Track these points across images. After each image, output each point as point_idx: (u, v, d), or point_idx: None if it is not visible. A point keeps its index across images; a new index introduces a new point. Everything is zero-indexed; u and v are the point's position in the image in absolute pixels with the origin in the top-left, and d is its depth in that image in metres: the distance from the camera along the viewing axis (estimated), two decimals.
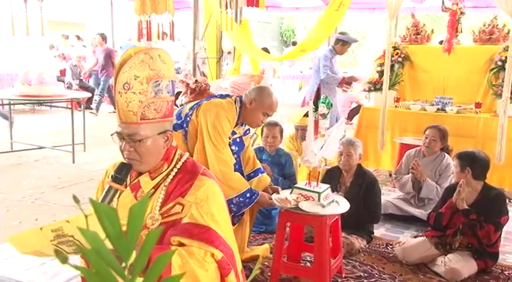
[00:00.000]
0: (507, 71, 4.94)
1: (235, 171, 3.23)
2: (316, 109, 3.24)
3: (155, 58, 1.75)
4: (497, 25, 5.83)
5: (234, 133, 3.29)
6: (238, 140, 3.37)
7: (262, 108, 3.21)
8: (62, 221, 1.44)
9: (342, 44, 6.37)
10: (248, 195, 3.12)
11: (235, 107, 3.22)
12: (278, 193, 3.34)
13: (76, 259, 1.93)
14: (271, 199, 3.18)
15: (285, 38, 21.60)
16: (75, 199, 0.71)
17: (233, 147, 3.31)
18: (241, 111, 3.24)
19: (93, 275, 0.57)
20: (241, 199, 3.11)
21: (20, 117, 9.61)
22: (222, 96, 3.38)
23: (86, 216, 0.58)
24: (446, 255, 3.49)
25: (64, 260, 0.62)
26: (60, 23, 15.23)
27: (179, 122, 3.26)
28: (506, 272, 3.52)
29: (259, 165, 3.60)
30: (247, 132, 3.49)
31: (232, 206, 3.08)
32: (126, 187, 1.84)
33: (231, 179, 3.12)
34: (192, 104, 3.39)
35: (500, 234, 3.53)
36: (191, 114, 3.21)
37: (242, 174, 3.35)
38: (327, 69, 6.29)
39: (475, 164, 3.53)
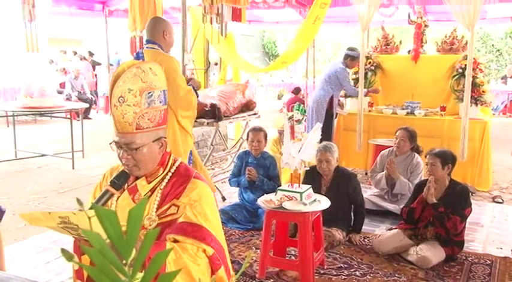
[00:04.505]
0: (467, 78, 5.03)
1: None
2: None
3: (147, 71, 1.74)
4: (456, 37, 5.94)
5: None
6: None
7: (172, 30, 3.65)
8: (68, 212, 1.43)
9: (351, 59, 6.17)
10: None
11: (164, 51, 3.57)
12: None
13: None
14: None
15: (267, 50, 21.62)
16: (79, 202, 0.72)
17: None
18: (164, 48, 3.58)
19: (97, 272, 0.58)
20: None
21: (23, 127, 9.52)
22: (139, 58, 3.59)
23: (89, 218, 0.59)
24: (418, 245, 3.53)
25: (69, 258, 0.62)
26: (59, 39, 15.14)
27: None
28: (469, 258, 3.59)
29: None
30: None
31: None
32: (123, 192, 1.83)
33: None
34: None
35: (465, 224, 3.59)
36: None
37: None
38: (352, 85, 6.24)
39: (455, 161, 3.65)
